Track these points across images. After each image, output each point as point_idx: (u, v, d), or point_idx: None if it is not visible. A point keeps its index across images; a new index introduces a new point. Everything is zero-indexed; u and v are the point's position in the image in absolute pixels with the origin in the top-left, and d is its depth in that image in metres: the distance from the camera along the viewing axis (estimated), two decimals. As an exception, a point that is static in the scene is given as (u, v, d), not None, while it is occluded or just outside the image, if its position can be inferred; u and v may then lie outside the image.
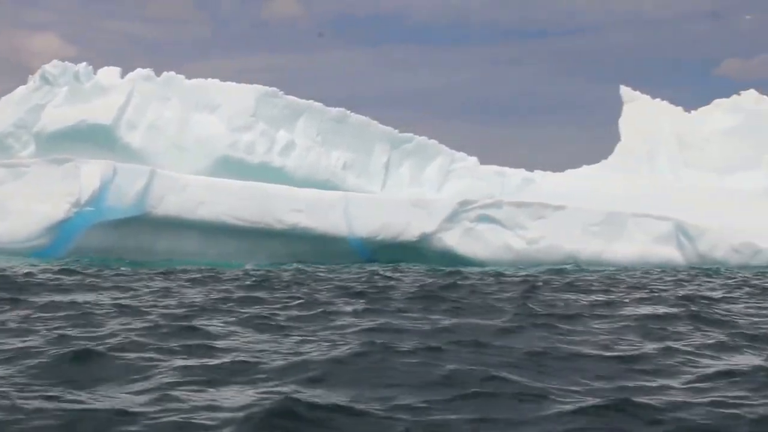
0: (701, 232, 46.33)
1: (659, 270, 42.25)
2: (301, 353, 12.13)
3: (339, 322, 15.69)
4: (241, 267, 37.20)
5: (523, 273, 37.17)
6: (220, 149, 48.83)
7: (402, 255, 45.56)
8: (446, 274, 35.01)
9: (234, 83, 50.85)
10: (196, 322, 15.22)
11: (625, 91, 54.29)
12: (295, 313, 17.31)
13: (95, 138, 47.62)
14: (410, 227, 45.69)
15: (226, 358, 11.78)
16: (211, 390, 9.83)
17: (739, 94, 53.72)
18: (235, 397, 9.49)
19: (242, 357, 11.89)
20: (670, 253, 46.63)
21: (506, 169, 54.41)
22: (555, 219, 46.42)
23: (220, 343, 13.07)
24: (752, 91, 53.67)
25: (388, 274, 34.43)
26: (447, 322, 15.97)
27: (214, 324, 15.22)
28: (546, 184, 52.14)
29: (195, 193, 44.06)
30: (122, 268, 33.30)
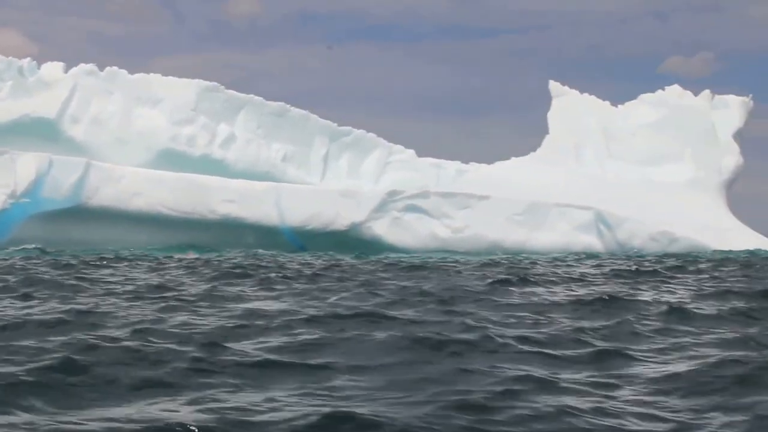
0: (620, 221, 47.50)
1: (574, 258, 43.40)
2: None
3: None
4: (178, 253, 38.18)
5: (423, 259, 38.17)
6: (162, 142, 49.79)
7: (332, 244, 46.59)
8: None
9: (176, 78, 51.82)
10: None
11: (553, 86, 55.29)
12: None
13: (39, 131, 48.51)
14: (340, 217, 46.77)
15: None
16: None
17: (663, 89, 54.84)
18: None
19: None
20: (591, 242, 47.81)
21: (442, 161, 55.42)
22: (480, 209, 47.52)
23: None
24: (676, 86, 54.72)
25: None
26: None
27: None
28: (478, 175, 53.18)
29: (130, 185, 45.13)
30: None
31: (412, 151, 55.65)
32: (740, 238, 49.30)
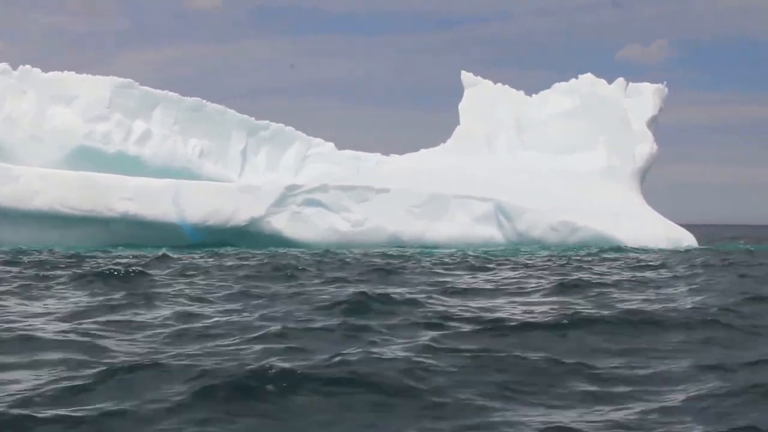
0: (520, 212, 46.43)
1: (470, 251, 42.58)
2: None
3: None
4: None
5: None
6: (76, 140, 48.99)
7: (232, 239, 45.89)
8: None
9: (90, 75, 51.04)
10: None
11: (465, 76, 53.97)
12: None
13: (-52, 131, 47.95)
14: (239, 212, 45.95)
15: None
16: None
17: (576, 78, 53.47)
18: None
19: None
20: (491, 233, 46.80)
21: (361, 153, 54.40)
22: (379, 201, 46.59)
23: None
24: (589, 75, 53.30)
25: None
26: None
27: None
28: (387, 167, 52.11)
29: (29, 184, 44.44)
30: None
31: (331, 144, 54.69)
32: (650, 226, 48.07)
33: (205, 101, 52.39)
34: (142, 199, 45.37)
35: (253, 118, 53.46)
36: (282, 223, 46.14)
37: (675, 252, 43.41)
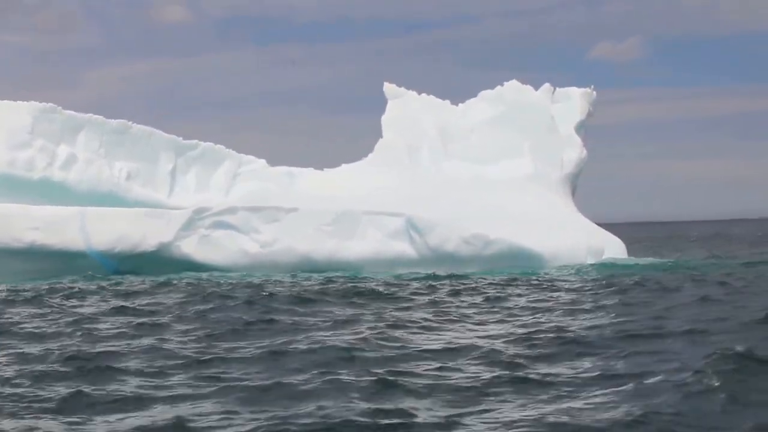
0: (431, 226, 44.16)
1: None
2: None
3: None
4: None
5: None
6: (-1, 168, 47.48)
7: (142, 265, 44.27)
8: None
9: (10, 101, 49.43)
10: None
11: (388, 87, 51.56)
12: None
13: None
14: (147, 237, 44.27)
15: None
16: None
17: (502, 85, 50.94)
18: None
19: None
20: (403, 248, 44.61)
21: (294, 169, 52.30)
22: (288, 221, 44.61)
23: None
24: (514, 81, 50.64)
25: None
26: None
27: None
28: (305, 184, 50.03)
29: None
30: None
31: (263, 161, 52.63)
32: (572, 236, 45.62)
33: (130, 123, 50.59)
34: (49, 228, 43.87)
35: (180, 138, 51.54)
36: (191, 247, 44.37)
37: (580, 270, 41.11)
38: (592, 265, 43.02)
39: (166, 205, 48.14)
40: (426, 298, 29.40)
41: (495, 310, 25.45)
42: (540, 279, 37.96)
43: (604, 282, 34.62)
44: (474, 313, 24.69)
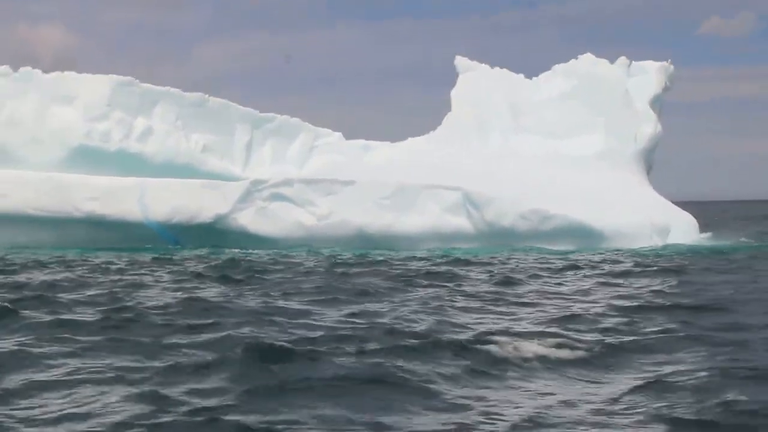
0: (488, 200, 42.19)
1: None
2: None
3: None
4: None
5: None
6: (77, 139, 47.04)
7: (199, 236, 43.47)
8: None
9: (90, 74, 49.16)
10: None
11: (460, 61, 49.38)
12: None
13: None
14: (204, 209, 43.40)
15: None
16: None
17: (576, 58, 48.33)
18: None
19: None
20: (461, 223, 42.76)
21: (371, 142, 50.81)
22: (345, 194, 43.18)
23: None
24: (589, 55, 47.98)
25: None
26: None
27: None
28: (366, 159, 48.45)
29: (-1, 187, 43.18)
30: None
31: (339, 134, 51.30)
32: (639, 213, 43.04)
33: (207, 96, 49.84)
34: (108, 198, 43.41)
35: (257, 111, 50.63)
36: (247, 219, 43.28)
37: (638, 253, 38.51)
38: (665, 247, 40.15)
39: (241, 177, 47.16)
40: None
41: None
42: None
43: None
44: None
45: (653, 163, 48.23)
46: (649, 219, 42.64)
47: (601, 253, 37.38)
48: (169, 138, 48.41)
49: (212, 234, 43.01)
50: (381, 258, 35.67)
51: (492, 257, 36.21)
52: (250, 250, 40.33)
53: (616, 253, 37.90)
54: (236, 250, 40.06)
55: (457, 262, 33.55)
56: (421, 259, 35.44)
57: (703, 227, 46.07)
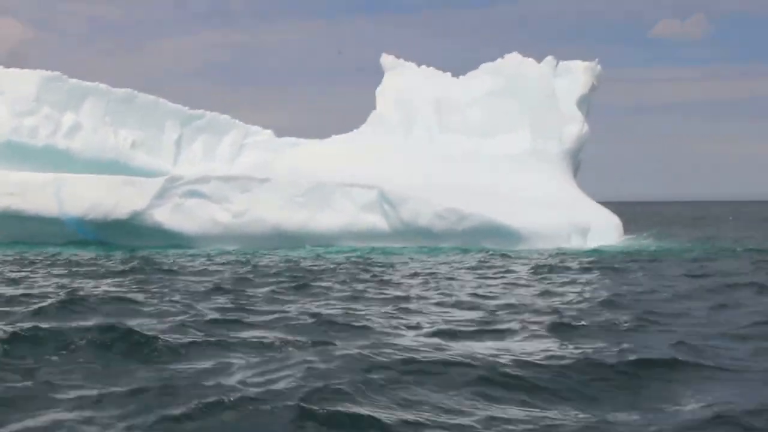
0: (404, 198, 41.00)
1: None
2: None
3: None
4: None
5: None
6: (3, 134, 46.06)
7: (115, 233, 42.28)
8: None
9: (17, 69, 48.00)
10: None
11: (386, 59, 48.15)
12: None
13: None
14: (120, 205, 42.16)
15: None
16: None
17: (503, 57, 47.09)
18: None
19: None
20: (376, 221, 41.57)
21: (300, 140, 49.65)
22: (260, 191, 41.99)
23: None
24: (515, 54, 46.75)
25: None
26: None
27: None
28: (300, 154, 47.29)
29: None
30: None
31: (269, 131, 50.17)
32: (558, 212, 41.87)
33: (136, 92, 48.72)
34: (25, 193, 42.24)
35: (186, 108, 49.52)
36: (164, 216, 42.04)
37: (539, 253, 37.33)
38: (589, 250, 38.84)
39: (170, 174, 46.02)
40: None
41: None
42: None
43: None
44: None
45: (581, 163, 47.08)
46: (570, 219, 41.47)
47: (500, 255, 36.10)
48: (97, 134, 47.46)
49: (128, 230, 41.81)
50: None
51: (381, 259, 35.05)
52: (161, 250, 39.13)
53: (508, 253, 36.72)
54: (144, 252, 38.79)
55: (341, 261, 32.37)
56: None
57: (637, 228, 44.95)
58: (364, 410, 8.77)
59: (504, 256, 35.00)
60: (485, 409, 9.32)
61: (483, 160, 44.50)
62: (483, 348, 12.60)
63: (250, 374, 10.46)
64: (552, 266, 29.09)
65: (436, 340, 13.16)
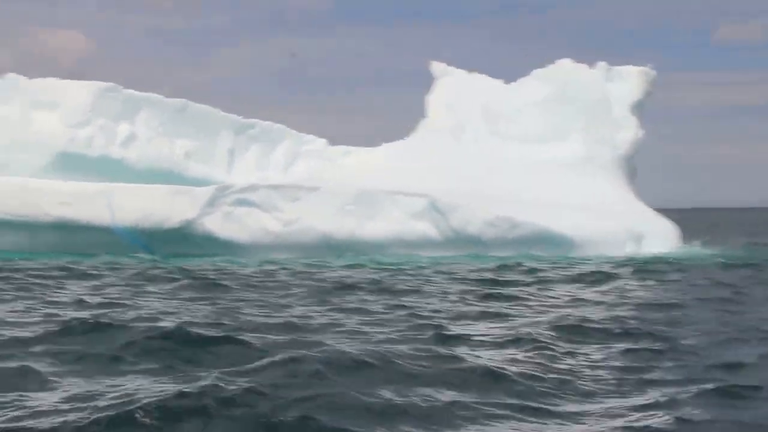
0: (453, 206, 40.45)
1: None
2: None
3: None
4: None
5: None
6: (60, 145, 46.26)
7: (167, 242, 42.12)
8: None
9: (73, 81, 48.23)
10: None
11: (436, 66, 47.60)
12: None
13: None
14: (173, 214, 42.01)
15: None
16: None
17: (554, 63, 46.29)
18: None
19: None
20: (426, 229, 41.02)
21: (352, 148, 49.27)
22: (309, 200, 41.64)
23: None
24: (567, 60, 46.03)
25: None
26: None
27: None
28: (350, 162, 46.93)
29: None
30: None
31: (323, 140, 49.84)
32: (613, 220, 41.07)
33: (190, 102, 48.70)
34: (78, 202, 42.21)
35: (240, 117, 49.39)
36: (215, 225, 41.80)
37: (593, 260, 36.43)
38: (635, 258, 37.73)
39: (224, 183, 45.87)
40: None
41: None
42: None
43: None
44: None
45: (636, 169, 46.11)
46: (624, 226, 40.66)
47: (553, 263, 35.32)
48: (152, 144, 47.47)
49: (179, 239, 41.63)
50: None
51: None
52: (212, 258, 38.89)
53: (567, 261, 35.94)
54: (196, 261, 38.56)
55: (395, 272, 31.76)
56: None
57: (696, 235, 43.88)
58: None
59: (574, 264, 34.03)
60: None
61: (535, 167, 43.82)
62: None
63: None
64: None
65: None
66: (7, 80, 47.65)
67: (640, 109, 45.54)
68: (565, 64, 45.68)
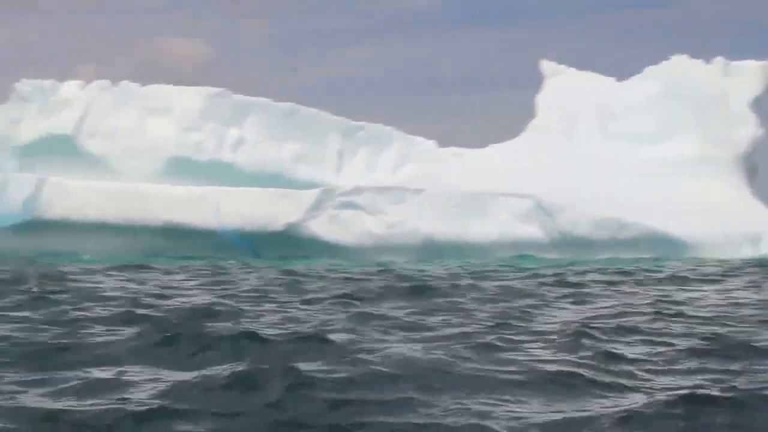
0: (560, 208, 39.15)
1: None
2: None
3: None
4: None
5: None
6: (171, 150, 46.44)
7: (272, 245, 41.72)
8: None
9: (184, 87, 48.30)
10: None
11: (546, 65, 46.22)
12: None
13: (61, 148, 46.80)
14: (277, 217, 41.61)
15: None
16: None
17: (668, 59, 44.46)
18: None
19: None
20: (533, 231, 39.79)
21: (462, 149, 48.25)
22: (414, 202, 40.79)
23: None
24: (684, 56, 44.19)
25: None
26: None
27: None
28: (458, 164, 45.85)
29: (78, 197, 42.35)
30: None
31: (432, 142, 48.92)
32: (731, 220, 39.27)
33: (298, 105, 48.32)
34: (185, 206, 42.10)
35: (349, 120, 48.83)
36: (320, 228, 41.24)
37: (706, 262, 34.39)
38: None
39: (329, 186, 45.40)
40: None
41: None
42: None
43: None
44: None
45: (758, 168, 44.05)
46: (740, 227, 38.76)
47: (659, 264, 33.57)
48: (261, 148, 47.15)
49: (284, 242, 41.14)
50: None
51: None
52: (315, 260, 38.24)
53: (680, 262, 34.11)
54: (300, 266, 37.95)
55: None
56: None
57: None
58: None
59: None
60: None
61: (648, 166, 42.20)
62: None
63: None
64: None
65: None
66: (121, 88, 47.92)
67: (759, 105, 43.48)
68: (680, 60, 43.91)
